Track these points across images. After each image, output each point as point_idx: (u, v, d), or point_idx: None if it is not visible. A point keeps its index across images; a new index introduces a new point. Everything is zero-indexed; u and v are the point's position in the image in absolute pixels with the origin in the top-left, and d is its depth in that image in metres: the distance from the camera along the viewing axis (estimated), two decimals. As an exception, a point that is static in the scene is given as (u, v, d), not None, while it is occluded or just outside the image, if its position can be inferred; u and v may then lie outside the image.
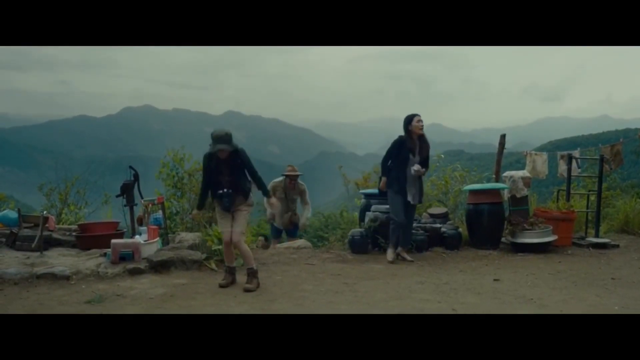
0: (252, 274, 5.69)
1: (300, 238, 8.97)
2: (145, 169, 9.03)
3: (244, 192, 5.68)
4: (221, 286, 5.63)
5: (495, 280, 6.13)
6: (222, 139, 5.45)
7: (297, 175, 8.88)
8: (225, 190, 5.56)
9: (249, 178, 5.74)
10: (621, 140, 9.71)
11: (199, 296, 5.31)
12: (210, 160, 5.64)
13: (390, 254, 7.09)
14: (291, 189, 8.79)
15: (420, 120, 6.98)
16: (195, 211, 6.27)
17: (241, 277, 5.81)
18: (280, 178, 8.80)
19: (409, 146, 6.98)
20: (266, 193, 6.17)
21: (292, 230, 9.01)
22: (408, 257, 7.14)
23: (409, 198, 7.00)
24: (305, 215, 9.01)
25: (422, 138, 7.04)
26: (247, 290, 5.50)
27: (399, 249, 7.20)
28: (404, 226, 7.07)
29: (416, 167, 6.94)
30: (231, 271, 5.82)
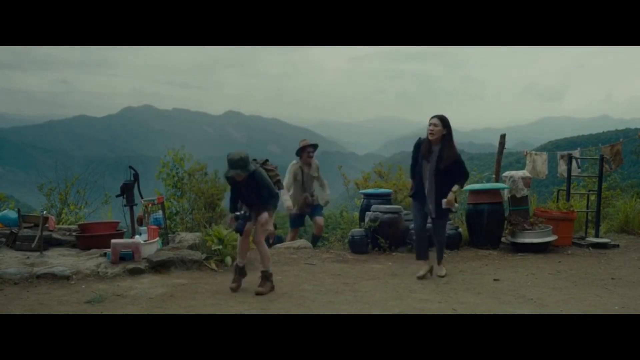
0: (266, 277, 5.54)
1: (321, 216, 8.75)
2: (145, 168, 9.02)
3: (265, 202, 5.53)
4: (232, 290, 5.50)
5: (495, 280, 6.13)
6: (236, 163, 5.28)
7: (315, 145, 8.56)
8: (242, 212, 5.52)
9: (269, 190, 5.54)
10: (621, 140, 9.71)
11: (199, 296, 5.31)
12: (228, 179, 5.55)
13: (421, 270, 6.19)
14: (308, 165, 8.45)
15: (432, 124, 6.03)
16: (229, 216, 5.83)
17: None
18: (295, 160, 8.52)
19: (423, 151, 6.11)
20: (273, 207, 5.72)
21: (312, 210, 8.50)
22: (442, 272, 6.31)
23: (425, 209, 6.19)
24: (326, 192, 8.65)
25: (444, 145, 6.03)
26: (258, 294, 5.36)
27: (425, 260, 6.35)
28: (423, 237, 6.28)
29: (443, 203, 6.03)
30: (241, 271, 5.65)
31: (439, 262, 6.42)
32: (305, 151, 8.47)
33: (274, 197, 5.60)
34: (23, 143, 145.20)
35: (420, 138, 6.24)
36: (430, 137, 6.02)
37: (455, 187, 6.05)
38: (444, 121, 6.03)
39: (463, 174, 6.14)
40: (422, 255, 6.28)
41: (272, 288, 5.55)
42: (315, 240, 8.58)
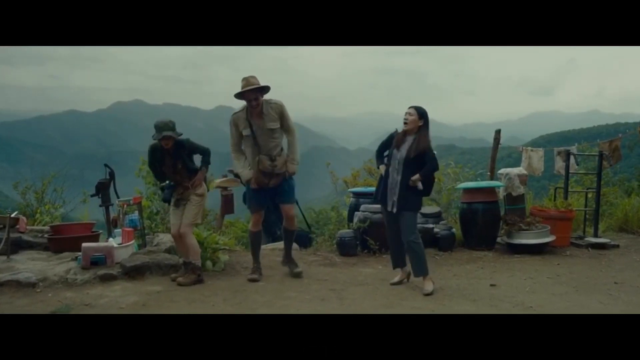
0: (192, 269, 5.64)
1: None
2: (136, 163, 8.67)
3: (190, 180, 5.70)
4: (172, 279, 5.68)
5: (491, 285, 5.78)
6: (167, 126, 5.54)
7: (263, 88, 5.62)
8: (167, 182, 5.73)
9: (194, 165, 5.80)
10: (620, 135, 9.40)
11: (174, 305, 4.93)
12: (155, 152, 5.74)
13: (396, 277, 5.80)
14: (258, 116, 5.64)
15: (407, 113, 5.51)
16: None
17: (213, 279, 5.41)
18: (242, 107, 5.75)
19: (396, 139, 5.58)
20: (205, 163, 5.87)
21: (279, 185, 5.77)
22: (429, 289, 5.43)
23: (388, 206, 5.59)
24: (294, 152, 5.81)
25: (418, 135, 5.48)
26: (179, 284, 5.51)
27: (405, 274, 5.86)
28: (398, 244, 5.68)
29: (410, 181, 5.42)
30: (186, 266, 5.73)
31: (418, 275, 5.57)
32: (245, 99, 5.62)
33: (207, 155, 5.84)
34: (13, 138, 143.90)
35: (396, 130, 5.70)
36: (404, 127, 5.52)
37: (422, 172, 5.44)
38: (420, 112, 5.52)
39: (434, 163, 5.57)
40: (398, 264, 5.81)
41: (198, 281, 5.61)
42: (288, 235, 6.12)
